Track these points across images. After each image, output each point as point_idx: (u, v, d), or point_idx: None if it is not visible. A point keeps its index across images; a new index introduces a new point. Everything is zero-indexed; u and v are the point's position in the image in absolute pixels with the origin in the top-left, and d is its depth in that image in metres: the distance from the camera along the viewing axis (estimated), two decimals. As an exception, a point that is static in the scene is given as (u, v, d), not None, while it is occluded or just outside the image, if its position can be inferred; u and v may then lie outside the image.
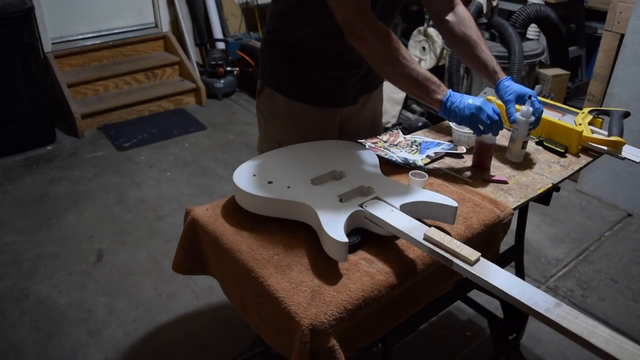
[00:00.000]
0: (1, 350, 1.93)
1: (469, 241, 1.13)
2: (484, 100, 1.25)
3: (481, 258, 0.96)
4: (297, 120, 1.50)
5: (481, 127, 1.26)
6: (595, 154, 1.49)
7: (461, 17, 1.46)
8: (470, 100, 1.25)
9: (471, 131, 1.45)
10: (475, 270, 0.94)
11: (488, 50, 1.45)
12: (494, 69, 1.43)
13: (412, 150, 1.45)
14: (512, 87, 1.38)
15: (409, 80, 1.27)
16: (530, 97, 1.36)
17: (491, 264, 0.95)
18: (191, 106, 4.05)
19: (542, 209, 2.69)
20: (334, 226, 1.02)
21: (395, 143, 1.48)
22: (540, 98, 1.62)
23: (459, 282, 1.25)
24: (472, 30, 1.45)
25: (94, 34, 3.96)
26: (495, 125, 1.25)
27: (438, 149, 1.46)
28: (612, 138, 1.44)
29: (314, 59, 1.41)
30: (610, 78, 2.74)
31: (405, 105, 3.59)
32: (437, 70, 3.54)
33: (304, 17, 1.36)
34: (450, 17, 1.46)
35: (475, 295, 1.83)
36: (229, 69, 4.17)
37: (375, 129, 1.67)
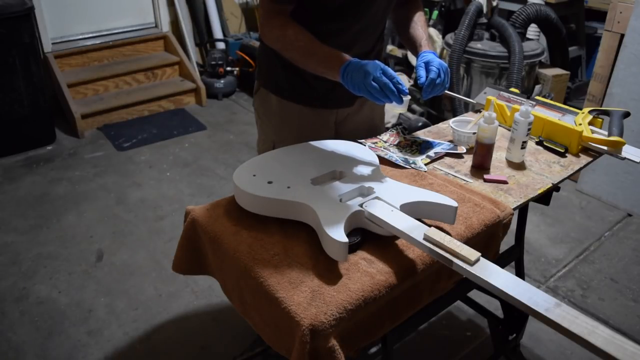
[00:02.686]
0: (1, 350, 1.93)
1: (469, 241, 1.13)
2: (375, 63, 1.16)
3: (481, 258, 0.96)
4: (290, 120, 1.51)
5: (372, 93, 1.16)
6: (595, 154, 1.49)
7: (409, 2, 1.55)
8: (362, 65, 1.17)
9: (471, 131, 1.46)
10: (475, 270, 0.94)
11: (423, 30, 1.48)
12: (420, 44, 1.45)
13: (412, 150, 1.45)
14: (428, 56, 1.38)
15: (309, 60, 1.29)
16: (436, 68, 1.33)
17: (491, 264, 0.95)
18: (191, 106, 4.06)
19: (542, 209, 2.69)
20: (334, 226, 1.02)
21: (395, 143, 1.48)
22: (540, 98, 1.63)
23: (459, 282, 1.25)
24: (413, 13, 1.52)
25: (94, 34, 3.96)
26: (387, 90, 1.15)
27: (438, 149, 1.46)
28: (612, 138, 1.44)
29: None
30: (610, 78, 2.74)
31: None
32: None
33: (295, 19, 1.36)
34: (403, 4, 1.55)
35: (475, 295, 1.83)
36: (229, 69, 4.17)
37: (374, 132, 1.65)
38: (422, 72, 1.34)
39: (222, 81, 4.13)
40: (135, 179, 3.08)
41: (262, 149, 1.59)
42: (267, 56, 1.49)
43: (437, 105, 3.60)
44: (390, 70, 1.18)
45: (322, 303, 0.95)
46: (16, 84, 3.18)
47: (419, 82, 1.35)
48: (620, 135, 1.45)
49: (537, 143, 1.53)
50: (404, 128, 2.46)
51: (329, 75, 1.26)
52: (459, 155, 1.46)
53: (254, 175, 1.20)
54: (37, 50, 3.27)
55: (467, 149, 1.47)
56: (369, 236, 1.11)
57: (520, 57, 3.01)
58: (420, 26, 1.50)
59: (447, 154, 1.46)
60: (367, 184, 1.18)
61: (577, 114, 1.53)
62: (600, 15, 3.59)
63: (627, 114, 1.52)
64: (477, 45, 3.19)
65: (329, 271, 1.03)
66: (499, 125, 1.51)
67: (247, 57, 4.16)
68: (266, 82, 1.52)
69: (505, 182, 1.34)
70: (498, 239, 1.26)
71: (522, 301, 0.87)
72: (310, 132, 1.50)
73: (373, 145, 1.45)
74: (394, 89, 1.16)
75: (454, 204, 1.10)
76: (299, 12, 1.33)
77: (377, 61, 1.19)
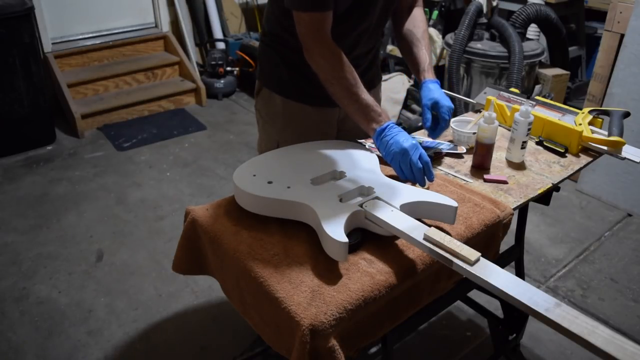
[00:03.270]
0: (1, 350, 1.93)
1: (469, 241, 1.13)
2: (416, 144, 1.22)
3: (481, 258, 0.96)
4: (294, 120, 1.51)
5: (402, 170, 1.23)
6: (595, 154, 1.49)
7: (414, 16, 1.51)
8: (402, 139, 1.22)
9: (472, 131, 1.46)
10: (475, 270, 0.94)
11: (427, 51, 1.46)
12: (424, 68, 1.44)
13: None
14: (434, 92, 1.38)
15: (349, 103, 1.29)
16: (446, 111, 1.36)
17: (491, 264, 0.95)
18: (191, 106, 4.05)
19: (542, 209, 2.69)
20: (334, 226, 1.02)
21: (395, 143, 1.48)
22: (540, 98, 1.63)
23: (459, 282, 1.25)
24: (419, 30, 1.48)
25: (94, 34, 3.96)
26: (417, 174, 1.22)
27: (438, 149, 1.46)
28: (612, 138, 1.44)
29: None
30: (610, 78, 2.74)
31: (405, 105, 3.59)
32: (436, 70, 3.54)
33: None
34: (404, 15, 1.51)
35: (475, 295, 1.83)
36: (229, 69, 4.17)
37: None
38: (429, 116, 1.37)
39: (222, 81, 4.13)
40: (135, 179, 3.08)
41: (264, 150, 1.58)
42: (269, 56, 1.48)
43: (437, 105, 3.60)
44: (425, 156, 1.23)
45: (322, 303, 0.95)
46: (16, 84, 3.18)
47: (425, 125, 1.38)
48: (620, 135, 1.45)
49: (537, 143, 1.53)
50: (404, 128, 2.44)
51: (362, 124, 1.30)
52: (459, 155, 1.46)
53: (254, 175, 1.20)
54: (37, 50, 3.27)
55: (467, 149, 1.47)
56: (369, 236, 1.11)
57: (520, 57, 3.01)
58: (425, 46, 1.47)
59: (447, 154, 1.46)
60: (367, 184, 1.18)
61: (577, 114, 1.53)
62: (600, 15, 3.59)
63: (627, 114, 1.52)
64: (477, 45, 3.19)
65: (329, 271, 1.03)
66: (499, 125, 1.51)
67: (247, 57, 4.16)
68: (268, 82, 1.52)
69: (505, 182, 1.34)
70: (498, 239, 1.26)
71: (522, 301, 0.87)
72: (314, 130, 1.50)
73: (373, 145, 1.45)
74: (423, 177, 1.22)
75: (454, 204, 1.10)
76: None
77: (416, 142, 1.23)
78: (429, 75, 1.43)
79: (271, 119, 1.55)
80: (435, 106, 1.37)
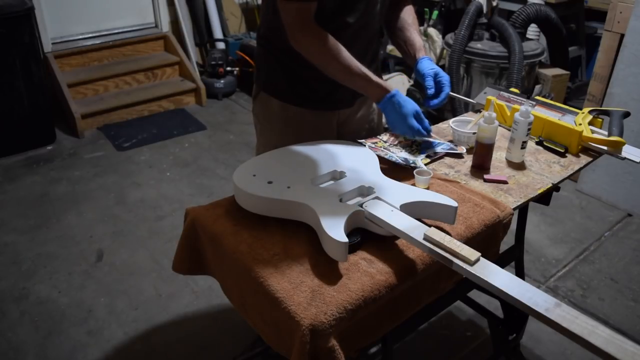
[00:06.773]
0: (1, 350, 1.93)
1: (469, 241, 1.13)
2: (411, 107, 1.35)
3: (481, 258, 0.96)
4: (293, 124, 1.50)
5: (412, 128, 1.34)
6: (595, 154, 1.49)
7: (404, 3, 1.57)
8: (410, 102, 1.35)
9: (472, 131, 1.46)
10: (475, 270, 0.94)
11: (419, 36, 1.54)
12: (419, 49, 1.50)
13: (412, 150, 1.45)
14: (433, 65, 1.47)
15: (347, 79, 1.35)
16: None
17: (491, 264, 0.95)
18: (191, 106, 4.06)
19: (542, 209, 2.69)
20: (334, 226, 1.02)
21: (395, 143, 1.48)
22: (540, 98, 1.63)
23: (459, 282, 1.25)
24: (409, 17, 1.54)
25: (94, 34, 3.96)
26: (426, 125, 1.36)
27: (438, 149, 1.46)
28: (612, 138, 1.44)
29: (306, 62, 1.37)
30: (610, 78, 2.74)
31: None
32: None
33: None
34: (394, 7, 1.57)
35: (475, 295, 1.83)
36: (229, 69, 4.17)
37: (374, 130, 1.66)
38: (432, 83, 1.43)
39: (222, 81, 4.13)
40: (135, 179, 3.08)
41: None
42: (266, 59, 1.48)
43: (437, 105, 3.59)
44: (421, 114, 1.36)
45: (322, 303, 0.95)
46: (16, 84, 3.18)
47: (427, 92, 1.43)
48: (620, 135, 1.45)
49: (537, 143, 1.53)
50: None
51: (367, 93, 1.39)
52: (459, 155, 1.46)
53: (254, 175, 1.20)
54: (37, 50, 3.27)
55: (467, 149, 1.47)
56: (369, 236, 1.11)
57: (520, 57, 3.01)
58: (416, 30, 1.53)
59: (447, 154, 1.46)
60: (367, 184, 1.18)
61: (577, 114, 1.53)
62: (600, 15, 3.58)
63: (627, 114, 1.52)
64: (477, 45, 3.19)
65: (329, 271, 1.03)
66: (499, 125, 1.51)
67: (247, 57, 4.16)
68: (266, 86, 1.51)
69: (505, 182, 1.34)
70: (498, 239, 1.26)
71: (522, 301, 0.87)
72: (313, 134, 1.49)
73: (373, 145, 1.45)
74: (424, 132, 1.37)
75: (454, 204, 1.10)
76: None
77: (413, 103, 1.35)
78: (424, 54, 1.50)
79: (269, 123, 1.54)
80: (436, 76, 1.43)
